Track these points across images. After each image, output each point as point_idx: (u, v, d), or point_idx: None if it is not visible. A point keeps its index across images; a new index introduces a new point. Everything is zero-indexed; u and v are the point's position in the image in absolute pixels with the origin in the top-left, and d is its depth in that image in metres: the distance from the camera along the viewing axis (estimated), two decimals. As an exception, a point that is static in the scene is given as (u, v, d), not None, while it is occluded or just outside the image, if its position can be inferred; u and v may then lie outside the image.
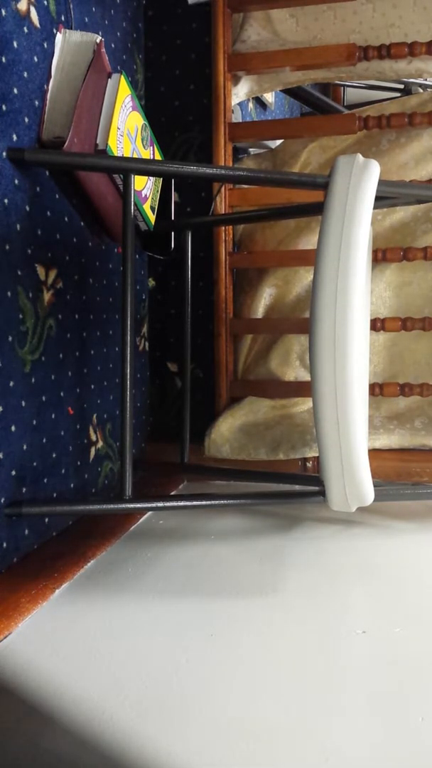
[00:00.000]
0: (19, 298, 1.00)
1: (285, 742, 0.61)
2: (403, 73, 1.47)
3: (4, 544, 0.96)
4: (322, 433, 0.92)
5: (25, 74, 1.00)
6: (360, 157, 0.97)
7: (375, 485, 0.99)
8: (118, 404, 1.33)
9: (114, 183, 1.20)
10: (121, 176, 1.06)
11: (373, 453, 1.28)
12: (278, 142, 1.59)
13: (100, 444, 1.27)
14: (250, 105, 1.96)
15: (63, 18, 1.11)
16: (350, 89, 2.37)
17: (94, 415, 1.25)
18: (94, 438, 1.24)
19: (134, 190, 1.06)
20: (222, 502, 1.11)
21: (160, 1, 1.47)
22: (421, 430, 1.36)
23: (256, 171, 1.32)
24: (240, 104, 1.74)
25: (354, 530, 1.15)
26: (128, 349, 1.00)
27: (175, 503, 1.06)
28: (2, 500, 0.96)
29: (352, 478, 0.95)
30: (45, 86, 1.05)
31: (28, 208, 1.02)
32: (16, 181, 0.99)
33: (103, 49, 1.08)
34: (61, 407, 1.12)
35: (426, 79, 2.02)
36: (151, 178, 1.28)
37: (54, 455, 1.10)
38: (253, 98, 1.94)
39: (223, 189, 1.42)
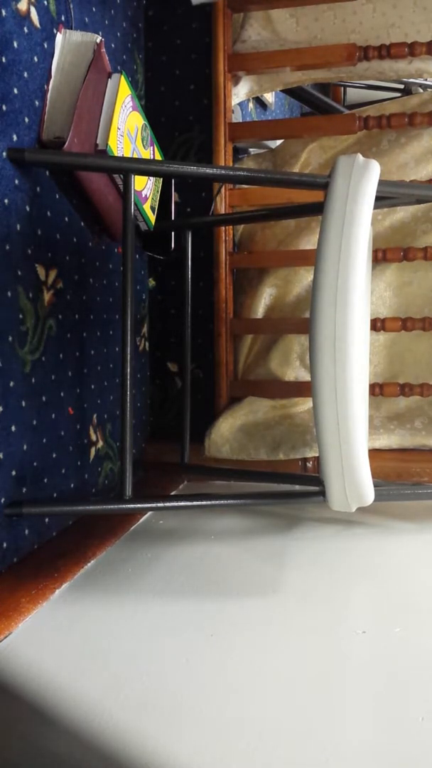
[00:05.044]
0: (19, 298, 1.00)
1: (285, 742, 0.61)
2: (403, 73, 1.47)
3: (4, 544, 0.96)
4: (322, 433, 0.92)
5: (25, 74, 1.00)
6: (360, 157, 0.97)
7: (375, 485, 0.99)
8: (118, 404, 1.33)
9: (114, 183, 1.20)
10: (121, 176, 1.06)
11: (373, 453, 1.28)
12: (278, 142, 1.59)
13: (100, 444, 1.27)
14: (250, 105, 1.96)
15: (63, 18, 1.11)
16: (350, 89, 2.37)
17: (94, 415, 1.25)
18: (94, 438, 1.24)
19: (134, 190, 1.06)
20: (222, 502, 1.11)
21: (160, 1, 1.47)
22: (421, 430, 1.36)
23: (256, 171, 1.32)
24: (240, 104, 1.74)
25: (354, 530, 1.15)
26: (128, 349, 1.00)
27: (175, 503, 1.06)
28: (2, 500, 0.96)
29: (352, 478, 0.95)
30: (45, 86, 1.05)
31: (28, 208, 1.02)
32: (17, 181, 0.99)
33: (103, 49, 1.08)
34: (61, 407, 1.12)
35: (426, 79, 2.02)
36: (151, 178, 1.28)
37: (54, 455, 1.10)
38: (253, 98, 1.94)
39: (223, 189, 1.42)
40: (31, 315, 1.03)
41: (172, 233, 1.41)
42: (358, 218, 0.91)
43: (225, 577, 0.97)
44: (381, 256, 1.33)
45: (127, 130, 1.15)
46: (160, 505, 1.05)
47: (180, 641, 0.79)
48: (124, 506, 1.01)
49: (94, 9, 1.23)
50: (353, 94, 2.39)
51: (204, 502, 1.08)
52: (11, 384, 0.98)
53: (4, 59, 0.96)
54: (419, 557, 1.05)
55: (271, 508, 1.26)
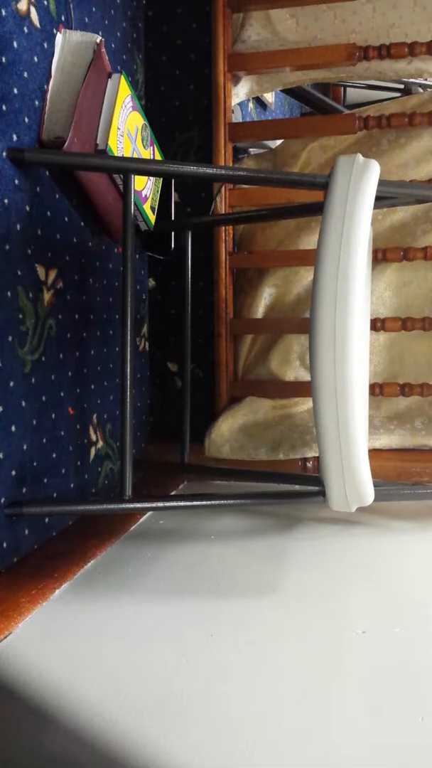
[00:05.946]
0: (19, 298, 1.00)
1: (285, 742, 0.61)
2: (403, 73, 1.47)
3: (4, 544, 0.97)
4: (322, 433, 0.92)
5: (25, 74, 1.00)
6: (360, 157, 0.97)
7: (375, 485, 0.99)
8: (118, 404, 1.33)
9: (114, 183, 1.20)
10: (121, 176, 1.06)
11: (373, 453, 1.28)
12: (278, 142, 1.59)
13: (100, 444, 1.27)
14: (250, 105, 1.96)
15: (63, 18, 1.11)
16: (350, 89, 2.37)
17: (94, 415, 1.25)
18: (94, 438, 1.24)
19: (134, 190, 1.06)
20: (222, 502, 1.11)
21: (160, 1, 1.47)
22: (421, 430, 1.36)
23: (256, 171, 1.32)
24: (240, 104, 1.74)
25: (354, 530, 1.15)
26: (128, 349, 1.00)
27: (175, 503, 1.06)
28: (2, 500, 0.96)
29: (352, 478, 0.95)
30: (45, 86, 1.05)
31: (28, 208, 1.02)
32: (16, 181, 0.99)
33: (103, 49, 1.08)
34: (61, 407, 1.12)
35: (426, 79, 2.02)
36: (151, 178, 1.28)
37: (54, 455, 1.10)
38: (253, 98, 1.94)
39: (223, 189, 1.42)
40: (31, 315, 1.03)
41: (172, 233, 1.41)
42: (358, 218, 0.91)
43: (225, 577, 0.97)
44: (381, 256, 1.33)
45: (127, 130, 1.15)
46: (160, 505, 1.05)
47: (180, 641, 0.79)
48: (124, 506, 1.01)
49: (94, 9, 1.23)
50: (353, 94, 2.39)
51: (204, 502, 1.08)
52: (11, 384, 0.98)
53: (4, 59, 0.96)
54: (419, 557, 1.05)
55: (271, 508, 1.26)
